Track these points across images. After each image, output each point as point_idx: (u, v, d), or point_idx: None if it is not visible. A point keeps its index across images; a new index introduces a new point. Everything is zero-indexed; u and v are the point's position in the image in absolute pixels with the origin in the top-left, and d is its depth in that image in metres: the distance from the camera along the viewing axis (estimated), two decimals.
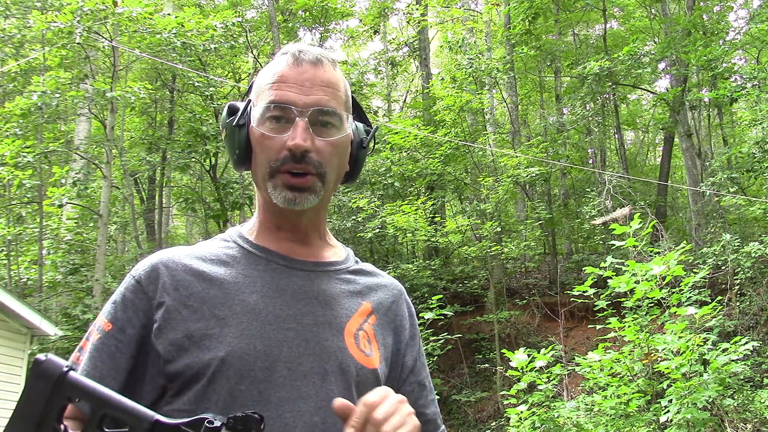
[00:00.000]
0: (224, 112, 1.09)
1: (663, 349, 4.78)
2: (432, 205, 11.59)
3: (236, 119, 1.05)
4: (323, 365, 0.97)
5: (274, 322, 0.97)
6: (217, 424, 0.78)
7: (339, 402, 0.87)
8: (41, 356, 0.81)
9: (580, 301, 6.37)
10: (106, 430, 0.80)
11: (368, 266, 1.19)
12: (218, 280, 1.00)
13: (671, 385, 4.60)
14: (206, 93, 11.49)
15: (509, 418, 5.22)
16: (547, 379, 5.16)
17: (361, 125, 1.14)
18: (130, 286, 1.00)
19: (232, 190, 12.55)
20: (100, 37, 9.77)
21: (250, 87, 1.11)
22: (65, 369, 0.79)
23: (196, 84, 11.12)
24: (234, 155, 1.07)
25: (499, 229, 11.12)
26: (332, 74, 1.06)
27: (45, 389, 0.79)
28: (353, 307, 1.06)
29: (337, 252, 1.14)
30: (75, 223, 11.94)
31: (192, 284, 0.99)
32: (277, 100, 1.01)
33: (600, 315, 5.35)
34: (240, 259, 1.04)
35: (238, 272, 1.02)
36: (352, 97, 1.13)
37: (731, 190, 9.72)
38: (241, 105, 1.07)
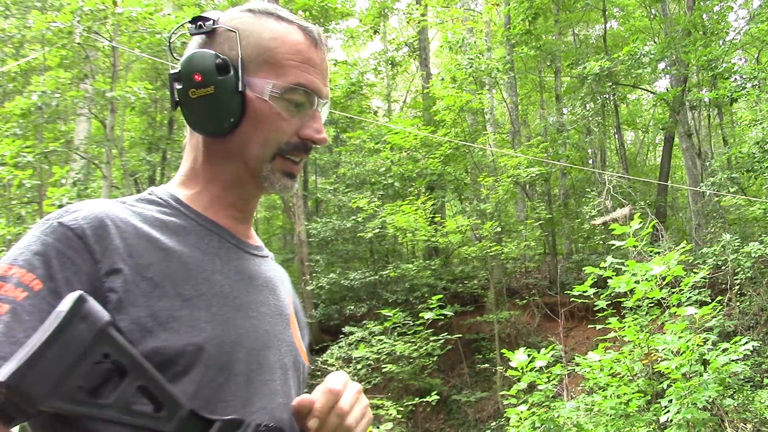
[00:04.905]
0: (208, 61, 0.88)
1: (663, 349, 4.78)
2: (432, 205, 11.58)
3: (239, 84, 0.88)
4: (282, 359, 0.91)
5: (240, 308, 0.87)
6: (258, 425, 0.76)
7: (298, 400, 0.84)
8: (84, 294, 0.66)
9: (580, 301, 6.36)
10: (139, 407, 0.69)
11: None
12: (175, 251, 0.84)
13: (671, 385, 4.59)
14: None
15: (509, 418, 5.20)
16: (547, 379, 5.15)
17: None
18: (64, 238, 0.78)
19: None
20: (100, 37, 9.76)
21: (212, 31, 0.91)
22: (108, 320, 0.66)
23: None
24: (225, 122, 0.89)
25: (499, 229, 11.11)
26: None
27: (86, 335, 0.64)
28: (287, 298, 1.00)
29: (255, 235, 1.04)
30: None
31: (147, 252, 0.82)
32: (308, 85, 0.91)
33: (600, 315, 5.34)
34: (190, 230, 0.89)
35: (193, 246, 0.87)
36: None
37: (731, 190, 9.71)
38: (224, 58, 0.89)
